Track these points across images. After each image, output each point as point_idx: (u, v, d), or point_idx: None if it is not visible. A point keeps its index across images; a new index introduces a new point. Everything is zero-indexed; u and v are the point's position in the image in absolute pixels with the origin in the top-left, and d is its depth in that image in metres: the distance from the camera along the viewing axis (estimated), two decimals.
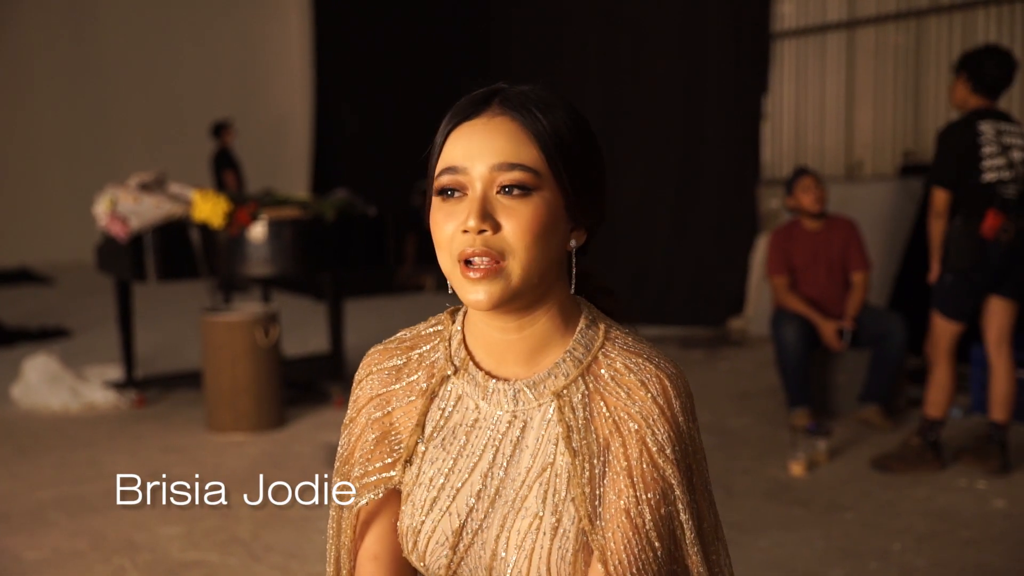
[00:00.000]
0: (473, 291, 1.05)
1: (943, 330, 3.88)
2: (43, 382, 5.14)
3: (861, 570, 2.98)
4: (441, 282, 9.69)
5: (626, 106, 8.15)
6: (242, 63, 13.03)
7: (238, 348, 4.56)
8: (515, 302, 1.07)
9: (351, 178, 9.51)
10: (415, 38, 10.53)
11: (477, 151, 1.06)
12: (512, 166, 1.05)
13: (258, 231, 4.73)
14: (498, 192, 1.05)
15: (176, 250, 4.77)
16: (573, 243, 1.11)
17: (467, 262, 1.05)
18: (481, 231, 1.04)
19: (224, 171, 8.90)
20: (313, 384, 5.33)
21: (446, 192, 1.07)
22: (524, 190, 1.05)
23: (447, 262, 1.07)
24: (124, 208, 4.69)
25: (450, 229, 1.06)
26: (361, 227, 5.04)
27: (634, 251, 7.83)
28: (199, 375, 4.97)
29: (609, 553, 1.06)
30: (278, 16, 12.89)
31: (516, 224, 1.04)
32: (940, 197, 3.78)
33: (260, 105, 12.72)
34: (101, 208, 4.76)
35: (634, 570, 1.06)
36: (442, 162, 1.08)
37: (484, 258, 1.04)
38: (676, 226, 7.81)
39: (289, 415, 4.86)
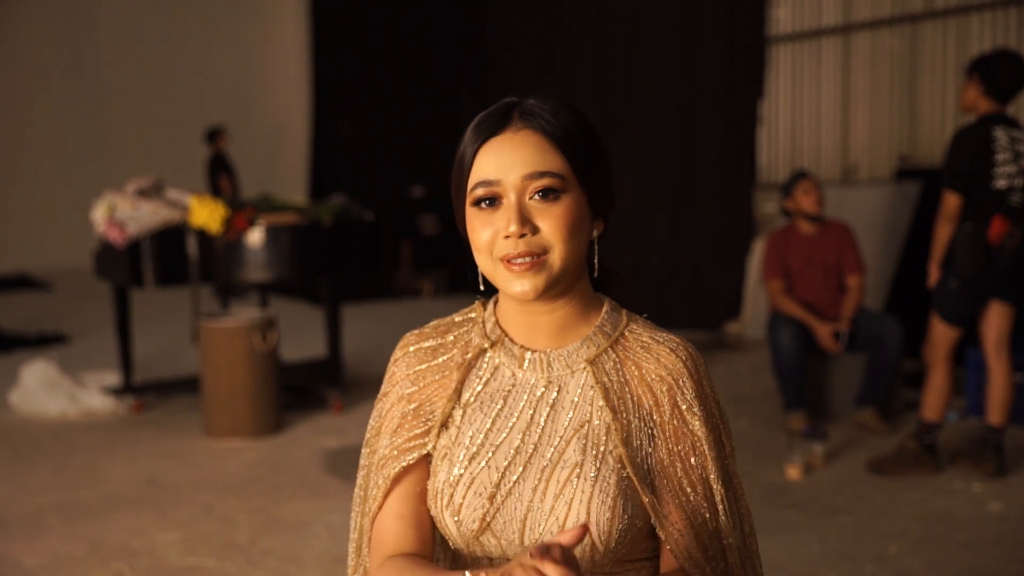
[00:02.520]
0: (519, 283, 1.16)
1: (942, 335, 3.88)
2: (41, 388, 5.14)
3: (857, 573, 2.99)
4: (438, 287, 9.71)
5: (622, 112, 8.16)
6: (240, 69, 13.04)
7: (236, 354, 4.56)
8: (552, 290, 1.18)
9: (348, 184, 9.51)
10: (412, 45, 10.53)
11: (508, 164, 1.16)
12: (542, 174, 1.16)
13: (255, 236, 4.74)
14: (531, 198, 1.16)
15: (174, 256, 4.78)
16: (595, 233, 1.24)
17: (510, 260, 1.16)
18: (522, 235, 1.15)
19: (219, 176, 8.97)
20: (311, 389, 5.34)
21: (482, 203, 1.18)
22: (555, 193, 1.16)
23: (487, 262, 1.19)
24: (122, 214, 4.69)
25: (488, 235, 1.17)
26: (358, 232, 5.06)
27: (631, 255, 7.84)
28: (197, 381, 4.97)
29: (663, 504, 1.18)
30: (276, 22, 12.89)
31: (552, 224, 1.16)
32: (952, 202, 3.76)
33: (258, 111, 12.73)
34: (99, 214, 4.76)
35: (694, 518, 1.18)
36: (475, 176, 1.19)
37: (526, 258, 1.15)
38: (673, 230, 7.82)
39: (287, 420, 4.86)
